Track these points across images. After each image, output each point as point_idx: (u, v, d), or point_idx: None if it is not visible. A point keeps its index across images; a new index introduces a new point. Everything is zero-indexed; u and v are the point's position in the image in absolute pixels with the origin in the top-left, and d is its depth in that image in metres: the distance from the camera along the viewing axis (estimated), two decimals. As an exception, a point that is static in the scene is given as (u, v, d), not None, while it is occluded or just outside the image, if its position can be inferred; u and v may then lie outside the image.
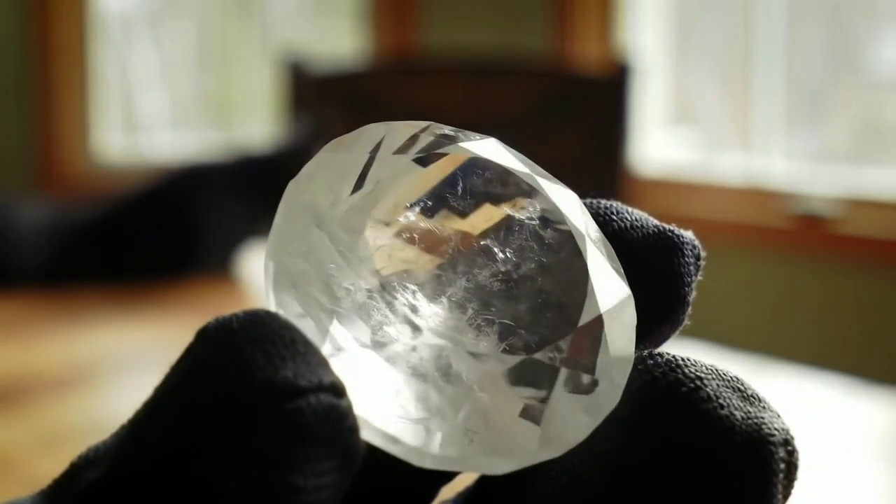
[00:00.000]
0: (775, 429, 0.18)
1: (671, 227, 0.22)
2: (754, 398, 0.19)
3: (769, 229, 1.87)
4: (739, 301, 1.92)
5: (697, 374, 0.19)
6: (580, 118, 1.64)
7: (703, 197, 1.96)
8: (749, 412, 0.18)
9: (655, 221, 0.22)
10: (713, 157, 2.01)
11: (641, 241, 0.21)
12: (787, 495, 0.19)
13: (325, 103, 1.68)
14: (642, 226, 0.22)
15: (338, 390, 0.17)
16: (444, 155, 0.19)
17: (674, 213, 1.96)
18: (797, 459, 0.19)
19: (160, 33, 2.43)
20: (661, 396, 0.19)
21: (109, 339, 0.91)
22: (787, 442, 0.18)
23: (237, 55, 2.44)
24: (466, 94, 1.62)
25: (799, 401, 0.72)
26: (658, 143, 2.05)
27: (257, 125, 2.39)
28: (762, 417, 0.18)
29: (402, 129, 0.20)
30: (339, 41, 2.36)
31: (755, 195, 1.91)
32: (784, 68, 1.93)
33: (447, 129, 0.20)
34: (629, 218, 0.22)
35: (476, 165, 0.19)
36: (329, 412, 0.17)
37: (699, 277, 0.22)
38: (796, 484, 0.19)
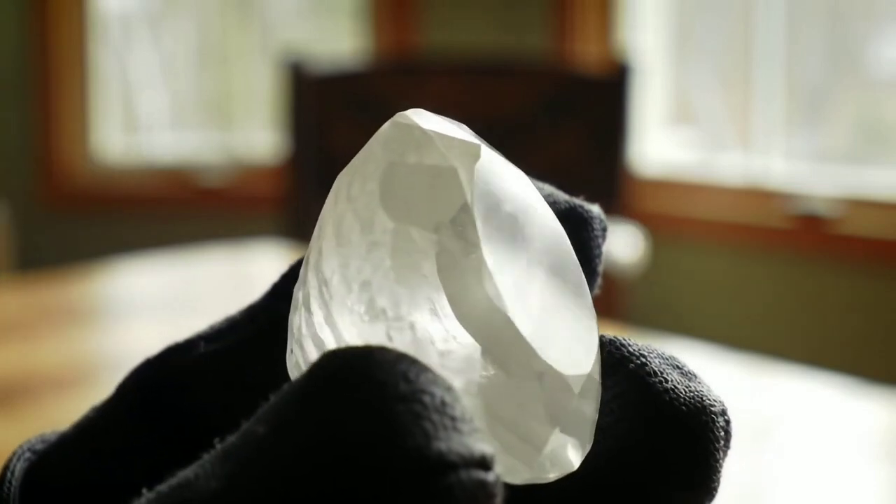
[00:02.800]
0: (714, 400, 0.20)
1: (580, 202, 0.23)
2: (691, 374, 0.20)
3: (769, 229, 1.87)
4: (739, 301, 1.92)
5: (640, 352, 0.20)
6: (580, 118, 1.64)
7: (703, 197, 1.96)
8: (689, 386, 0.20)
9: (565, 196, 0.23)
10: (713, 157, 2.01)
11: (555, 215, 0.22)
12: (724, 459, 0.20)
13: (325, 103, 1.68)
14: (555, 201, 0.22)
15: (487, 464, 0.16)
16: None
17: (674, 213, 1.96)
18: (731, 427, 0.20)
19: (160, 33, 2.44)
20: (610, 373, 0.20)
21: (109, 339, 0.91)
22: (724, 412, 0.20)
23: (237, 55, 2.44)
24: (466, 94, 1.62)
25: (799, 401, 0.72)
26: (658, 143, 2.05)
27: (257, 125, 2.39)
28: (701, 391, 0.20)
29: (399, 136, 0.20)
30: (339, 41, 2.36)
31: (755, 195, 1.91)
32: (784, 68, 1.93)
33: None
34: (543, 193, 0.22)
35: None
36: (478, 490, 0.15)
37: (605, 248, 0.23)
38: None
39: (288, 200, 1.67)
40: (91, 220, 2.30)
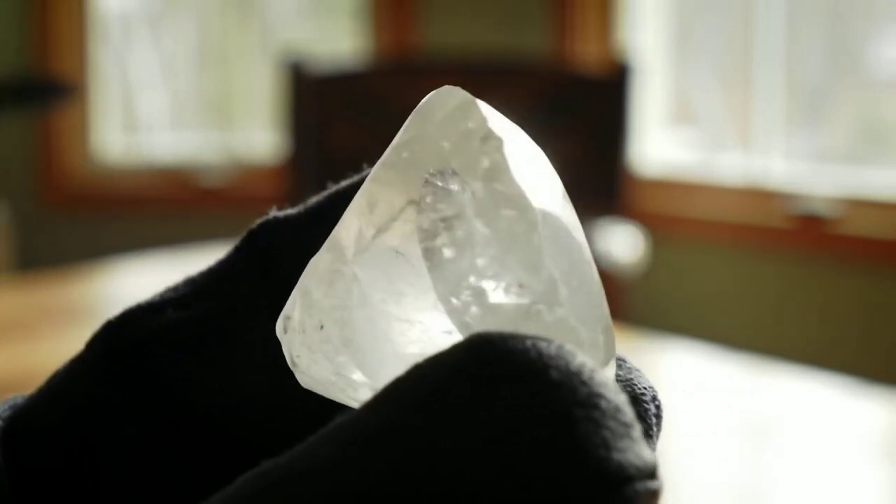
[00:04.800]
0: (644, 387, 0.20)
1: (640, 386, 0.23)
2: (620, 360, 0.20)
3: (769, 229, 1.87)
4: (739, 301, 1.92)
5: None
6: (580, 118, 1.64)
7: (703, 197, 1.96)
8: (619, 375, 0.20)
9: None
10: (713, 157, 2.01)
11: None
12: (657, 444, 0.20)
13: (325, 103, 1.68)
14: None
15: (655, 472, 0.15)
16: None
17: (674, 213, 1.96)
18: (662, 410, 0.20)
19: (160, 33, 2.43)
20: None
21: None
22: (654, 398, 0.20)
23: (237, 55, 2.44)
24: (466, 94, 1.62)
25: (799, 401, 0.72)
26: (658, 143, 2.05)
27: (257, 125, 2.39)
28: (631, 378, 0.20)
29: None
30: (339, 41, 2.36)
31: (755, 195, 1.91)
32: (784, 68, 1.92)
33: None
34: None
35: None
36: (651, 501, 0.15)
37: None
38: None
39: (288, 200, 1.67)
40: (91, 220, 2.30)
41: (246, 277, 0.22)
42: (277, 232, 0.21)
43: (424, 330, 0.18)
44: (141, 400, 0.21)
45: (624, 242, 1.63)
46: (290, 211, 0.22)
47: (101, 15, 2.36)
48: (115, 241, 2.18)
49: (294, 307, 0.19)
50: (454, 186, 0.19)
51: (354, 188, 0.21)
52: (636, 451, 0.15)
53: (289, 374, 0.19)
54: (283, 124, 1.73)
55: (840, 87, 1.94)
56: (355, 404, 0.19)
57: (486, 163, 0.18)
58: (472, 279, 0.18)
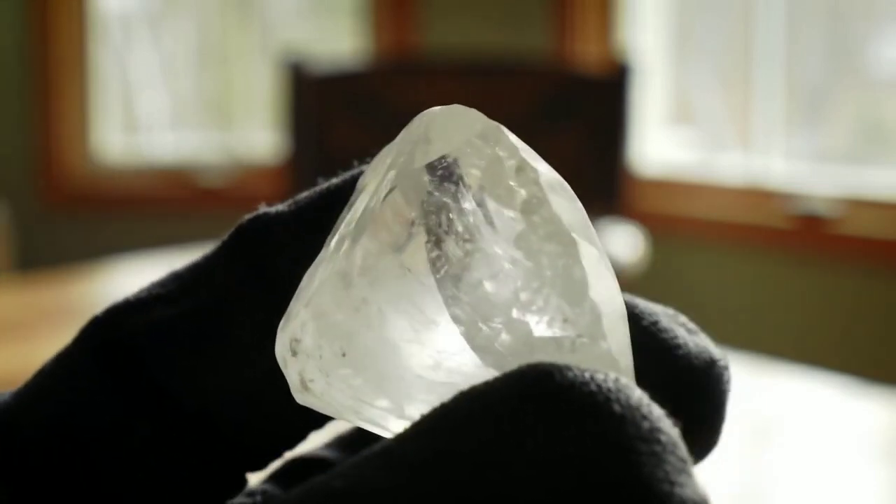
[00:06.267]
0: (719, 354, 0.21)
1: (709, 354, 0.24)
2: (693, 330, 0.21)
3: (769, 229, 1.87)
4: (739, 301, 1.92)
5: (650, 310, 0.21)
6: (580, 118, 1.64)
7: (703, 197, 1.96)
8: (696, 342, 0.20)
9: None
10: (713, 157, 2.01)
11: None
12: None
13: (325, 103, 1.68)
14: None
15: None
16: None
17: (674, 213, 1.96)
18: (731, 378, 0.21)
19: (160, 33, 2.43)
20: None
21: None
22: (727, 365, 0.21)
23: (237, 55, 2.44)
24: (466, 94, 1.62)
25: (799, 401, 0.72)
26: (658, 143, 2.05)
27: (257, 125, 2.39)
28: (707, 346, 0.21)
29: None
30: (339, 41, 2.36)
31: (755, 195, 1.91)
32: (784, 68, 1.93)
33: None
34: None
35: None
36: None
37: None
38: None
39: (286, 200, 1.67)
40: (91, 220, 2.30)
41: (235, 272, 0.21)
42: (267, 228, 0.21)
43: (440, 352, 0.18)
44: (130, 396, 0.21)
45: (624, 242, 1.63)
46: (281, 207, 0.22)
47: (101, 15, 2.36)
48: (115, 241, 2.18)
49: (304, 330, 0.18)
50: (467, 205, 0.18)
51: (346, 186, 0.21)
52: (693, 486, 0.15)
53: (280, 371, 0.19)
54: (283, 124, 1.73)
55: (840, 87, 1.94)
56: (371, 426, 0.18)
57: (523, 194, 0.18)
58: (514, 313, 0.17)
